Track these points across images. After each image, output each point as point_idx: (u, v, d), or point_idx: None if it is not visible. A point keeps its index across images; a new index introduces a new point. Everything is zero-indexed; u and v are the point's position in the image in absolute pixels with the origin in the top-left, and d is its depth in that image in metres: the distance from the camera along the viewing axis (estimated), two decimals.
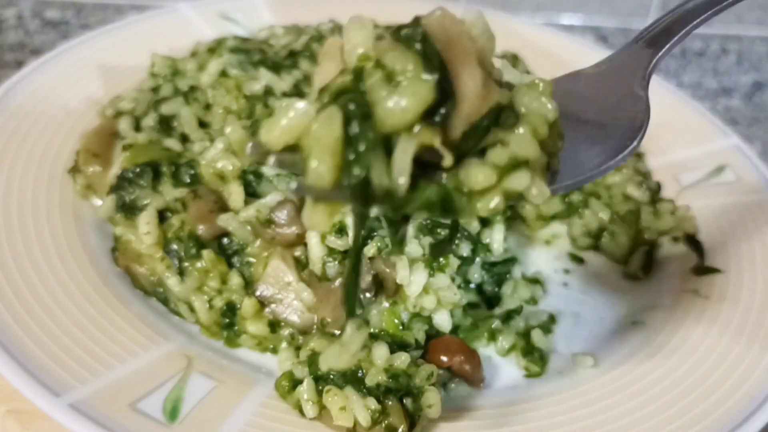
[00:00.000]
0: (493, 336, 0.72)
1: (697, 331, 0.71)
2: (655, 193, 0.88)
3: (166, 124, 0.82)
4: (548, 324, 0.74)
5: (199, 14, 1.07)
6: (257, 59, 0.87)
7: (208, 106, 0.84)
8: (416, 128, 0.40)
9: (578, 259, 0.84)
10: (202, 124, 0.82)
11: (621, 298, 0.79)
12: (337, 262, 0.67)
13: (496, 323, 0.72)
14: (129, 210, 0.72)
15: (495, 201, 0.41)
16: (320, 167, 0.39)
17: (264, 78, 0.83)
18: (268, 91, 0.82)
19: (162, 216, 0.72)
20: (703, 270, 0.79)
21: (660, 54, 0.53)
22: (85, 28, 1.30)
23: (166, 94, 0.85)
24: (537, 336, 0.71)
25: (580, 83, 0.54)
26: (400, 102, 0.39)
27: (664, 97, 1.04)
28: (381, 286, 0.66)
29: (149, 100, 0.84)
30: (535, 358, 0.69)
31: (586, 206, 0.85)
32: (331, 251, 0.67)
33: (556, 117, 0.42)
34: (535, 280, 0.79)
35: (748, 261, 0.78)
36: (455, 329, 0.70)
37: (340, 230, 0.66)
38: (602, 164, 0.46)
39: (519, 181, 0.41)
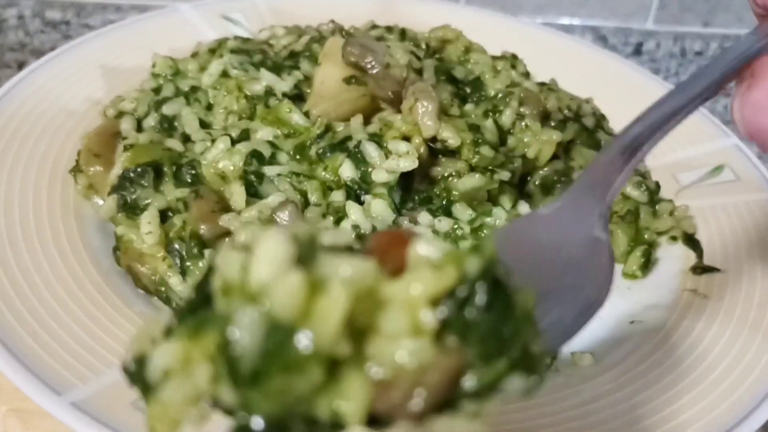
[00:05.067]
0: None
1: (696, 330, 0.71)
2: (654, 193, 0.88)
3: (167, 125, 0.82)
4: None
5: (200, 14, 1.07)
6: (258, 60, 0.88)
7: (209, 107, 0.84)
8: None
9: None
10: (204, 125, 0.82)
11: (620, 297, 0.79)
12: None
13: None
14: (131, 210, 0.73)
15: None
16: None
17: (265, 79, 0.83)
18: (269, 92, 0.83)
19: (164, 216, 0.72)
20: (702, 269, 0.79)
21: (612, 189, 0.50)
22: (86, 29, 1.31)
23: (168, 95, 0.85)
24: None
25: (538, 228, 0.50)
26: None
27: None
28: None
29: (150, 101, 0.85)
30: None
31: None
32: None
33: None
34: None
35: (747, 260, 0.79)
36: None
37: None
38: (573, 325, 0.43)
39: (515, 385, 0.32)
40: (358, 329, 0.30)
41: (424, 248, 0.32)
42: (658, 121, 0.53)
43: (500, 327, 0.31)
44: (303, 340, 0.29)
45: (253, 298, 0.29)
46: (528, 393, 0.32)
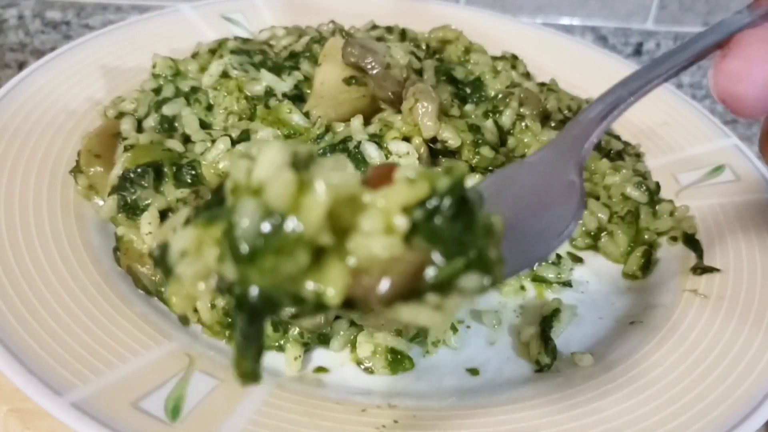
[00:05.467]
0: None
1: (696, 331, 0.71)
2: (654, 194, 0.88)
3: (167, 125, 0.82)
4: (556, 314, 0.74)
5: (200, 15, 1.07)
6: (258, 60, 0.88)
7: (209, 107, 0.84)
8: None
9: (577, 259, 0.84)
10: (204, 125, 0.82)
11: (620, 297, 0.79)
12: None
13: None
14: (131, 210, 0.73)
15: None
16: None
17: (265, 79, 0.83)
18: (269, 92, 0.83)
19: (164, 216, 0.72)
20: (702, 269, 0.79)
21: (589, 141, 0.57)
22: (87, 29, 1.31)
23: (168, 95, 0.85)
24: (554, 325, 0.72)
25: (522, 173, 0.58)
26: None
27: (663, 98, 1.05)
28: None
29: (151, 101, 0.85)
30: (548, 348, 0.70)
31: (585, 207, 0.86)
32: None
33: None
34: (540, 278, 0.79)
35: (747, 260, 0.79)
36: None
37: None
38: (539, 251, 0.50)
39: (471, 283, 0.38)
40: (342, 229, 0.37)
41: (405, 170, 0.38)
42: (638, 86, 0.58)
43: (462, 234, 0.38)
44: (291, 226, 0.35)
45: (254, 193, 0.36)
46: (482, 291, 0.38)
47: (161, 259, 0.39)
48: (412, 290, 0.37)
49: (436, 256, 0.37)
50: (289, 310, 0.37)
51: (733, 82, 0.51)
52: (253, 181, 0.36)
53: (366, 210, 0.37)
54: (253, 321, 0.38)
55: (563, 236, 0.50)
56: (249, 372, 0.39)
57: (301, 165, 0.37)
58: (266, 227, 0.35)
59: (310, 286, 0.36)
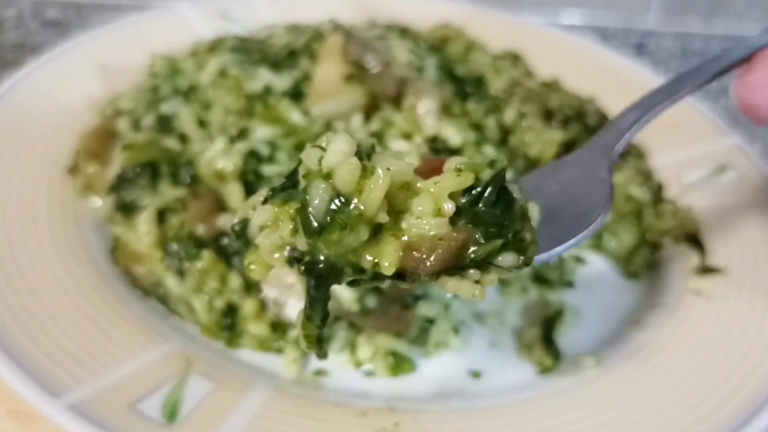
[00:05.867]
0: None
1: (699, 332, 0.70)
2: (657, 193, 0.88)
3: (165, 124, 0.81)
4: (559, 316, 0.74)
5: (198, 14, 1.07)
6: (257, 58, 0.87)
7: (207, 106, 0.84)
8: None
9: (580, 259, 0.83)
10: (202, 124, 0.82)
11: (623, 297, 0.79)
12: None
13: None
14: (128, 210, 0.72)
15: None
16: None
17: (263, 77, 0.83)
18: (268, 91, 0.82)
19: (161, 216, 0.71)
20: (705, 270, 0.78)
21: (619, 144, 0.62)
22: (85, 28, 1.30)
23: (166, 94, 0.85)
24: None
25: (560, 171, 0.64)
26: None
27: None
28: None
29: (148, 100, 0.84)
30: (551, 350, 0.69)
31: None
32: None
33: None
34: (542, 279, 0.79)
35: (750, 261, 0.78)
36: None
37: None
38: (571, 239, 0.54)
39: (507, 260, 0.45)
40: (397, 211, 0.43)
41: (454, 161, 0.44)
42: (666, 96, 0.63)
43: (501, 218, 0.44)
44: (354, 205, 0.41)
45: (324, 177, 0.42)
46: (518, 268, 0.45)
47: (242, 232, 0.46)
48: (455, 265, 0.44)
49: (478, 237, 0.43)
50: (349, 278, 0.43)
51: (754, 94, 0.55)
52: (323, 166, 0.42)
53: (418, 194, 0.43)
54: (320, 286, 0.44)
55: (593, 227, 0.55)
56: (313, 336, 0.46)
57: (364, 154, 0.43)
58: (334, 206, 0.41)
59: (368, 257, 0.42)
